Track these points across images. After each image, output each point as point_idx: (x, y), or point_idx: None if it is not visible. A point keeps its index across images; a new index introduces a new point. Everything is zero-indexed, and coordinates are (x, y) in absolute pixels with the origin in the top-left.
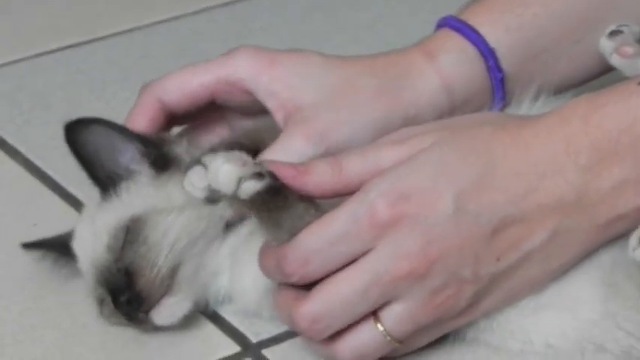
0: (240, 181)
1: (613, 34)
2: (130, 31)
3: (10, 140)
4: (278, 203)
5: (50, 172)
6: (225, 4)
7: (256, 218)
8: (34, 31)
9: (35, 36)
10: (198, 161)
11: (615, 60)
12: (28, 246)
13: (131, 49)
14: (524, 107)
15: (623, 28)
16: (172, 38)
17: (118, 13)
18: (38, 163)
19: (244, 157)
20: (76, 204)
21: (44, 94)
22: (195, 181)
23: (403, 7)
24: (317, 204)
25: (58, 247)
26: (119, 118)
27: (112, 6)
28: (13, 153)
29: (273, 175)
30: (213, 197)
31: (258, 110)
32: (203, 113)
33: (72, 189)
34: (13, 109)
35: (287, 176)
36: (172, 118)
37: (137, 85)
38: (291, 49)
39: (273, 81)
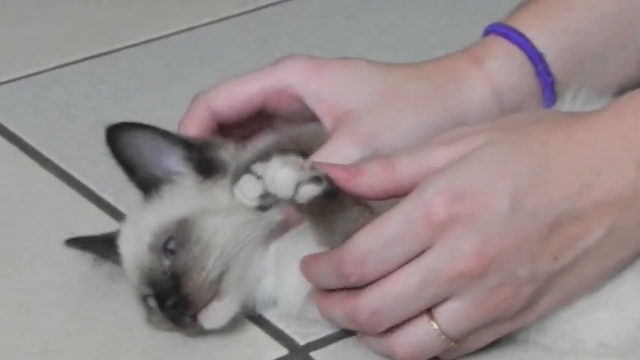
0: (298, 185)
1: None
2: (151, 40)
3: (41, 149)
4: (333, 207)
5: (83, 180)
6: (246, 12)
7: (310, 222)
8: (54, 42)
9: (56, 47)
10: (247, 169)
11: None
12: (71, 242)
13: (153, 59)
14: (565, 107)
15: None
16: (194, 47)
17: (139, 24)
18: (70, 171)
19: (300, 161)
20: (111, 211)
21: (68, 105)
22: (246, 191)
23: (424, 10)
24: (371, 207)
25: (99, 246)
26: None
27: (133, 16)
28: (44, 162)
29: (329, 179)
30: (264, 205)
31: (306, 118)
32: (251, 122)
33: (106, 196)
34: (40, 119)
35: (340, 178)
36: (222, 127)
37: (160, 94)
38: (339, 57)
39: (323, 87)
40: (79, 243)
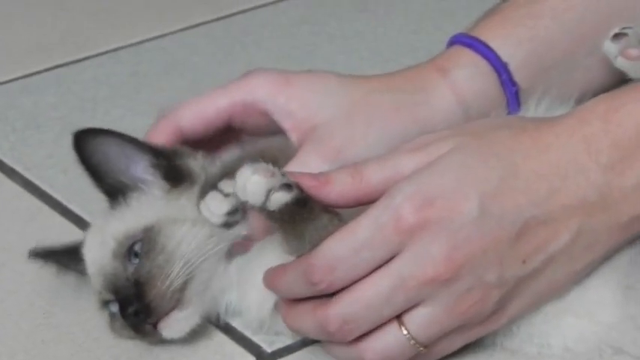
0: (269, 192)
1: (617, 36)
2: (119, 49)
3: (6, 160)
4: (304, 214)
5: (49, 191)
6: (214, 20)
7: (279, 230)
8: (22, 51)
9: (24, 56)
10: (214, 186)
11: (620, 62)
12: (34, 253)
13: (120, 67)
14: (529, 113)
15: (627, 31)
16: (161, 55)
17: (106, 32)
18: (36, 181)
19: (271, 168)
20: (76, 220)
21: (35, 114)
22: (213, 208)
23: (391, 17)
24: (340, 215)
25: (62, 257)
26: None
27: (100, 25)
28: (10, 172)
29: (300, 186)
30: (229, 223)
31: (273, 132)
32: (217, 137)
33: (72, 206)
34: (6, 128)
35: (309, 187)
36: (187, 143)
37: (128, 102)
38: (306, 70)
39: (289, 102)
40: (42, 254)
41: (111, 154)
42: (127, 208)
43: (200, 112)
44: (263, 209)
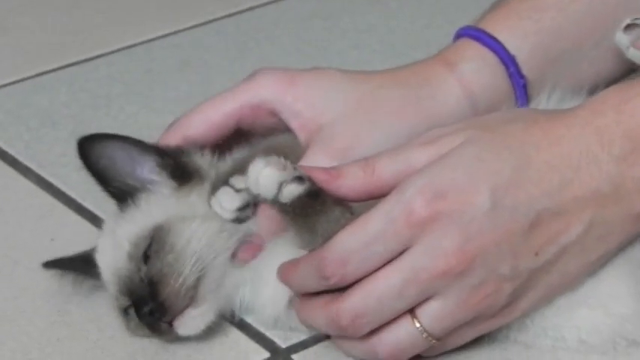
0: (281, 185)
1: (629, 27)
2: (132, 46)
3: (21, 158)
4: (316, 207)
5: (63, 188)
6: (226, 16)
7: (291, 223)
8: (36, 49)
9: (37, 55)
10: (225, 182)
11: (632, 53)
12: (49, 265)
13: (134, 65)
14: (541, 106)
15: (639, 22)
16: (175, 52)
17: (119, 30)
18: (50, 179)
19: (283, 161)
20: (91, 218)
21: (50, 112)
22: (224, 203)
23: (403, 11)
24: (352, 208)
25: (78, 266)
26: (127, 134)
27: (113, 22)
28: (25, 170)
29: (312, 179)
30: (241, 218)
31: (282, 130)
32: (227, 139)
33: (86, 203)
34: (20, 127)
35: (320, 180)
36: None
37: (142, 100)
38: (311, 68)
39: (296, 101)
40: (58, 265)
41: (116, 157)
42: (136, 210)
43: (207, 119)
44: (275, 202)
